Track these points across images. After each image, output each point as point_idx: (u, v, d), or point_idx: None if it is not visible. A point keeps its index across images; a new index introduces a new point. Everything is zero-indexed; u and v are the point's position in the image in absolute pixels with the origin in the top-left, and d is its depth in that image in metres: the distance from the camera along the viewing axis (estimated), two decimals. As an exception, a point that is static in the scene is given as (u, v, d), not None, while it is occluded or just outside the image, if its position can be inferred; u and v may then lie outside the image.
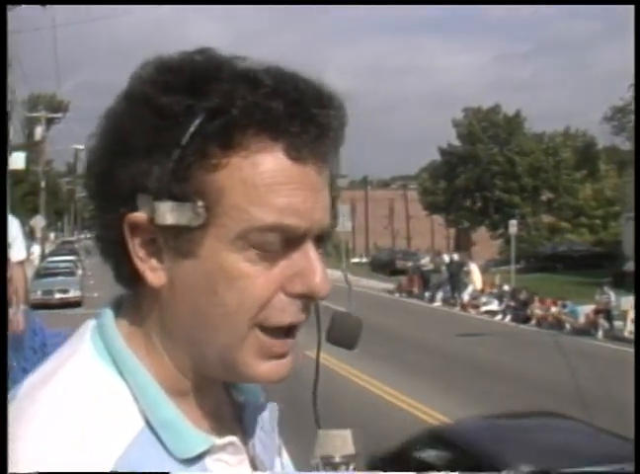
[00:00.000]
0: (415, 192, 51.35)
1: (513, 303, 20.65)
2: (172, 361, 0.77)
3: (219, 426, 0.80)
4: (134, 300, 0.78)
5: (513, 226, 24.71)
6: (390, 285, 30.09)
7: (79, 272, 29.89)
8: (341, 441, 0.86)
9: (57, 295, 23.26)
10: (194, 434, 0.75)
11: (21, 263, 5.44)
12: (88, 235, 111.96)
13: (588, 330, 17.27)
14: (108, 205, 0.74)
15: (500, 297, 21.87)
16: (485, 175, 41.03)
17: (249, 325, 0.73)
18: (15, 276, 5.35)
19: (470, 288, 23.52)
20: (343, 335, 0.90)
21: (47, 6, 19.83)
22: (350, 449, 0.86)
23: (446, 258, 25.99)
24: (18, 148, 23.74)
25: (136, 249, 0.74)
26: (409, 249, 49.55)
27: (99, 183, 0.75)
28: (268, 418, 0.85)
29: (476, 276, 24.12)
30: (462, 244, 41.80)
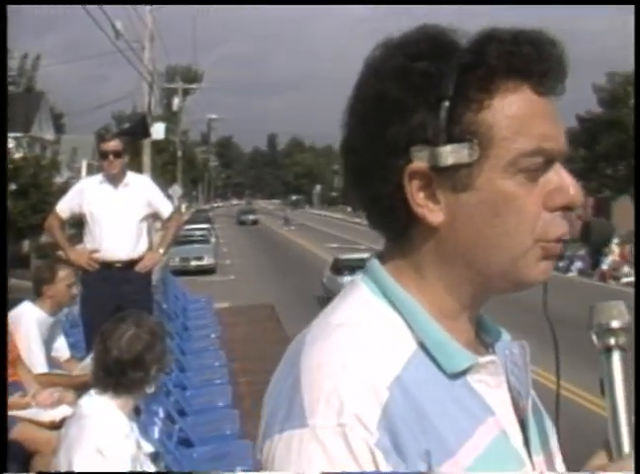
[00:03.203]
0: (550, 159, 49.23)
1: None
2: (445, 288, 0.88)
3: (477, 351, 0.90)
4: (400, 246, 0.89)
5: (659, 194, 23.20)
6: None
7: (213, 239, 30.81)
8: (617, 311, 0.90)
9: (193, 262, 24.10)
10: (461, 351, 0.86)
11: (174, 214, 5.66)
12: (220, 204, 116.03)
13: None
14: (382, 162, 0.84)
15: (643, 269, 20.73)
16: (630, 141, 38.71)
17: (531, 239, 0.85)
18: (170, 227, 5.60)
19: (609, 259, 22.47)
20: (598, 236, 1.01)
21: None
22: (625, 318, 0.89)
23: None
24: (158, 119, 24.72)
25: (414, 196, 0.84)
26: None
27: (369, 146, 0.85)
28: (519, 354, 0.93)
29: (618, 246, 22.96)
30: (602, 213, 39.85)
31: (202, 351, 8.07)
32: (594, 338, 0.90)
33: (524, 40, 0.84)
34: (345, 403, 0.78)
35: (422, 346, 0.85)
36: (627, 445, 0.85)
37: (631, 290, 19.54)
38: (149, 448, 2.85)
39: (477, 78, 0.83)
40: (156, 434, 4.06)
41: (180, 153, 42.24)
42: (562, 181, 0.86)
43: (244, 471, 4.38)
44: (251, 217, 61.83)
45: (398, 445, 0.78)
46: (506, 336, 0.97)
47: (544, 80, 0.85)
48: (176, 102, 39.51)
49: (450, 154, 0.82)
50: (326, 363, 0.80)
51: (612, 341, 0.88)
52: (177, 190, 34.37)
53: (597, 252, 22.94)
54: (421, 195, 0.84)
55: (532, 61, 0.84)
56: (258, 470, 0.82)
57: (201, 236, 28.79)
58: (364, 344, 0.82)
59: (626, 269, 21.57)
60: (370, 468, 0.77)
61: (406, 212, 0.85)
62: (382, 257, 0.92)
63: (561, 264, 24.32)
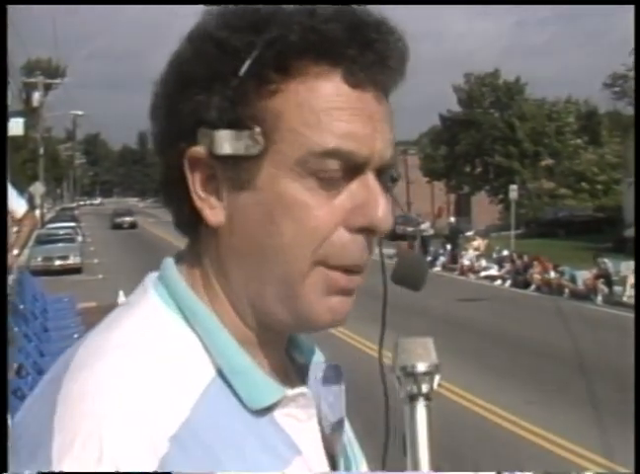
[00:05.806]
0: (415, 157, 51.11)
1: (512, 268, 20.67)
2: (233, 308, 0.74)
3: (287, 379, 0.77)
4: (194, 247, 0.76)
5: (513, 191, 24.60)
6: (390, 250, 30.09)
7: (79, 238, 29.96)
8: (422, 349, 0.78)
9: (57, 262, 23.29)
10: (266, 382, 0.72)
11: (28, 213, 5.46)
12: (87, 202, 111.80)
13: (587, 295, 17.31)
14: (170, 143, 0.72)
15: (499, 262, 21.89)
16: (485, 140, 40.73)
17: (310, 260, 0.70)
18: (23, 227, 5.39)
19: (470, 254, 23.54)
20: (409, 275, 0.83)
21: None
22: (433, 358, 0.77)
23: (452, 219, 26.19)
24: (16, 114, 23.54)
25: (196, 186, 0.71)
26: (409, 214, 49.51)
27: (161, 122, 0.73)
28: (333, 377, 0.81)
29: (476, 242, 24.13)
30: (463, 209, 41.76)
31: (63, 352, 7.78)
32: (396, 384, 0.77)
33: (337, 18, 0.69)
34: (105, 450, 0.61)
35: (221, 373, 0.70)
36: None
37: (488, 284, 20.62)
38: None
39: (275, 55, 0.68)
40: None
41: (42, 150, 40.37)
42: (369, 197, 0.70)
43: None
44: (128, 219, 51.01)
45: None
46: (319, 357, 0.84)
47: (356, 69, 0.69)
48: (36, 97, 37.78)
49: (227, 142, 0.69)
50: (91, 395, 0.64)
51: (416, 388, 0.76)
52: (39, 187, 32.86)
53: (455, 247, 24.05)
54: (204, 187, 0.71)
55: (338, 43, 0.68)
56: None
57: (66, 234, 27.87)
58: (146, 377, 0.66)
59: (484, 263, 22.68)
60: None
61: (191, 205, 0.72)
62: (180, 254, 0.78)
63: (427, 258, 25.31)
